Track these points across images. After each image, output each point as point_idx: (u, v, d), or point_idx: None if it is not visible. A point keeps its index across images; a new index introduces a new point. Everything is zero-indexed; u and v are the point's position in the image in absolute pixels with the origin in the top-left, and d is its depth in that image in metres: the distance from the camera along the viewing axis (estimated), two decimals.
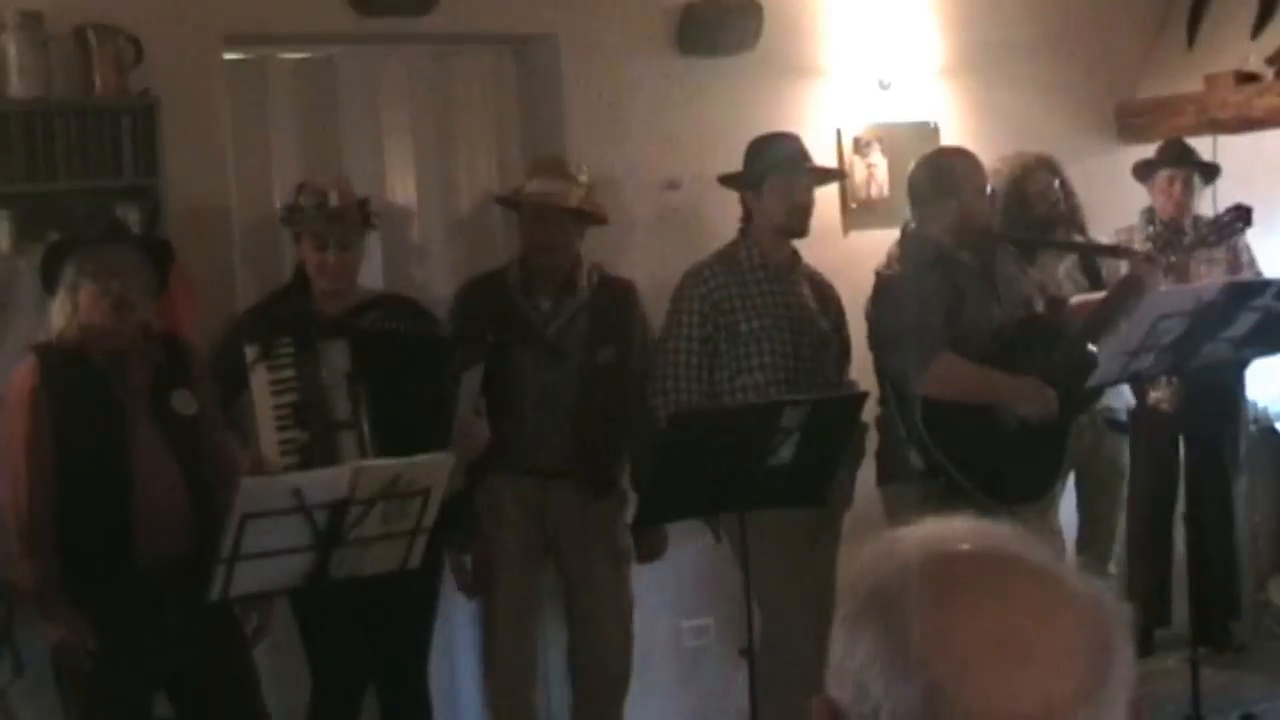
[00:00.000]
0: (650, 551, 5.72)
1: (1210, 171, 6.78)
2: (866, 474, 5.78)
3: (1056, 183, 6.31)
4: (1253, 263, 6.55)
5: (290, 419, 4.74)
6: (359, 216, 5.16)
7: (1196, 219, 6.39)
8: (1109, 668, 1.42)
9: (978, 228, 5.53)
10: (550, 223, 5.49)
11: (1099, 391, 5.35)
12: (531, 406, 5.45)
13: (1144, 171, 6.81)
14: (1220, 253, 6.40)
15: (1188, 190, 6.66)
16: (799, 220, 5.69)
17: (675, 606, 6.33)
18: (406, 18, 5.85)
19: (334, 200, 5.07)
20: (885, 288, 5.56)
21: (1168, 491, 6.81)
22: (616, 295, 5.65)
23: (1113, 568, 6.41)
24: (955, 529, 1.53)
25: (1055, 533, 5.67)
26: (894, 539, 1.53)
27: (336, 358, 4.80)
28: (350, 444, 4.81)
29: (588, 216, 5.58)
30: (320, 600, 4.53)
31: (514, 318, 5.48)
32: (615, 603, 5.69)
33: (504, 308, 5.49)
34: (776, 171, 5.65)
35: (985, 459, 5.31)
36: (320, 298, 5.14)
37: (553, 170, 5.60)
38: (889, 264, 5.60)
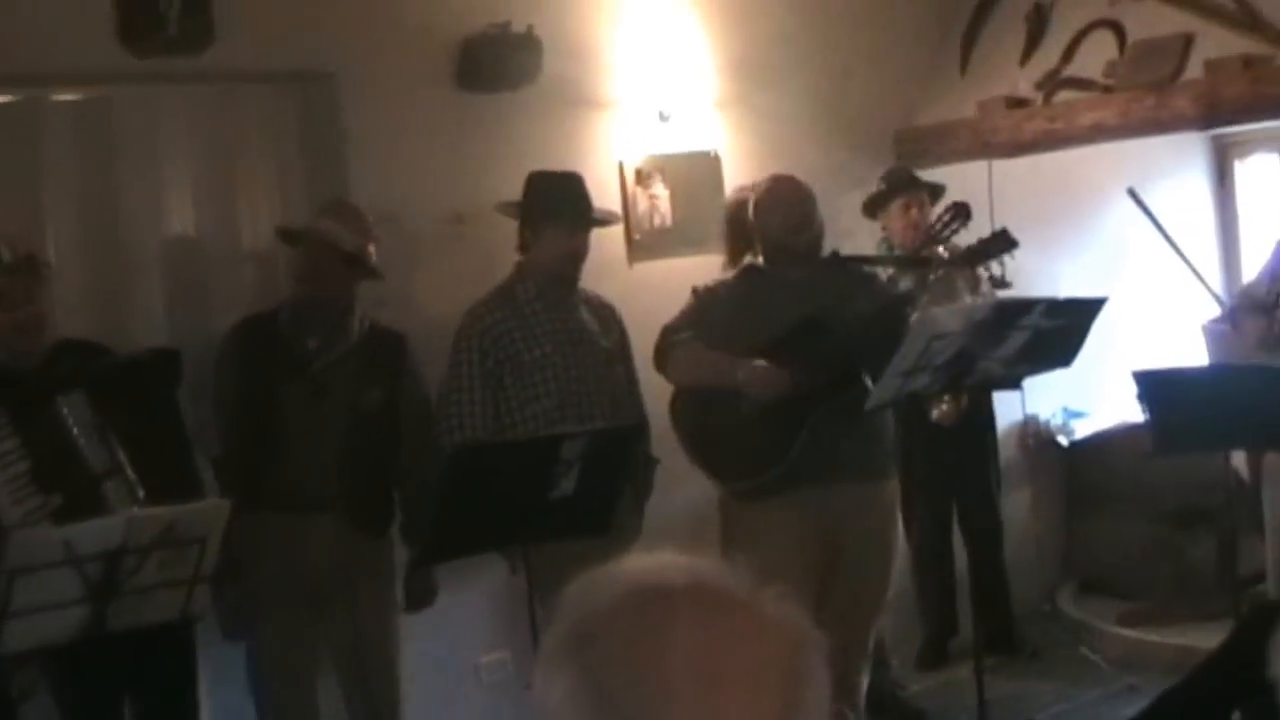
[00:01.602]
0: (417, 601, 5.69)
1: (937, 191, 6.94)
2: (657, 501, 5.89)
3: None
4: (992, 295, 6.69)
5: (28, 487, 4.60)
6: (31, 268, 4.95)
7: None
8: (803, 694, 1.46)
9: (774, 248, 5.65)
10: (323, 262, 5.46)
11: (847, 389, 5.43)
12: (296, 442, 5.39)
13: (876, 205, 6.95)
14: (961, 280, 6.54)
15: (924, 213, 6.82)
16: (572, 268, 5.79)
17: (474, 642, 6.33)
18: (183, 57, 5.77)
19: (7, 256, 4.84)
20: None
21: (946, 506, 7.00)
22: (387, 344, 5.64)
23: None
24: (660, 562, 1.55)
25: (894, 505, 5.85)
26: (598, 575, 1.55)
27: (79, 410, 4.66)
28: (119, 491, 4.69)
29: (362, 267, 5.54)
30: (66, 651, 4.42)
31: (280, 353, 5.46)
32: (382, 650, 5.62)
33: (272, 344, 5.47)
34: (555, 220, 5.72)
35: (716, 440, 5.53)
36: (11, 359, 4.89)
37: (340, 214, 5.56)
38: None
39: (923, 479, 6.91)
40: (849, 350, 5.35)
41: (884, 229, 6.99)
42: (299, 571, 5.45)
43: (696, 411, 5.61)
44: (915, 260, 6.21)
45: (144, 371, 5.04)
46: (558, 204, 5.74)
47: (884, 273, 6.06)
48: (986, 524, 7.23)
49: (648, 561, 1.56)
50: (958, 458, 6.95)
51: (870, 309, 5.54)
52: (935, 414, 6.63)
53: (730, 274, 5.83)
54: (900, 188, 6.95)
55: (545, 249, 5.73)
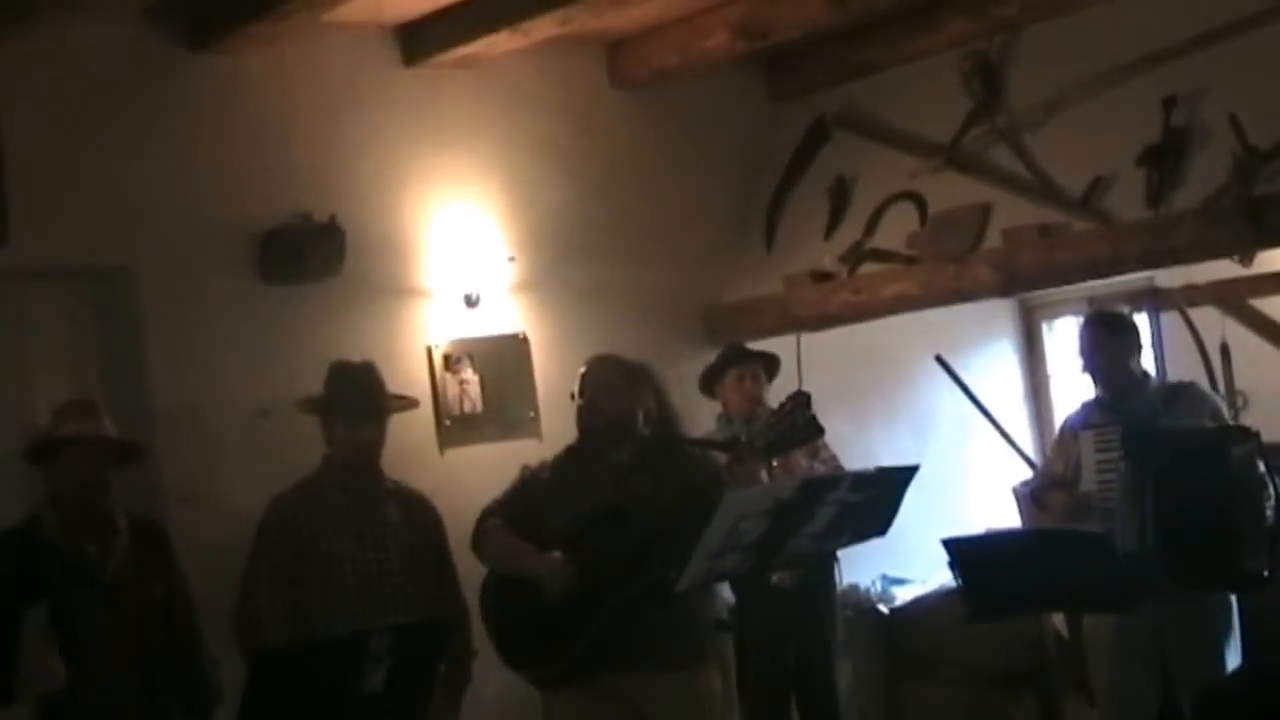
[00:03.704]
0: None
1: (772, 363, 6.98)
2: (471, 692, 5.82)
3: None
4: (834, 458, 6.74)
5: None
6: None
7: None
8: None
9: (589, 428, 5.68)
10: (94, 462, 5.30)
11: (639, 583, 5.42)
12: (98, 654, 5.17)
13: (710, 380, 6.98)
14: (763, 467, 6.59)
15: (757, 384, 6.85)
16: (364, 458, 5.78)
17: None
18: None
19: None
20: None
21: (783, 671, 6.92)
22: (152, 534, 5.50)
23: None
24: None
25: (709, 693, 5.72)
26: None
27: None
28: None
29: (129, 450, 5.42)
30: None
31: (61, 571, 5.25)
32: None
33: (48, 560, 5.17)
34: (339, 412, 5.73)
35: (511, 628, 5.57)
36: None
37: (83, 411, 5.38)
38: None
39: (758, 641, 6.83)
40: (646, 541, 5.36)
41: (722, 403, 7.00)
42: None
43: (500, 598, 5.63)
44: (723, 444, 6.23)
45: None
46: (342, 397, 5.77)
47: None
48: (825, 686, 7.16)
49: None
50: (795, 618, 6.91)
51: (684, 491, 5.52)
52: (775, 578, 6.62)
53: (555, 456, 5.84)
54: (732, 361, 6.98)
55: (337, 440, 5.75)
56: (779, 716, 7.05)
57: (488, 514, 5.72)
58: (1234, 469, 5.68)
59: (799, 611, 6.88)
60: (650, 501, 5.48)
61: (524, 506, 5.68)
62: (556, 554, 5.45)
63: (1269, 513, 5.74)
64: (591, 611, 5.39)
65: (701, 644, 5.73)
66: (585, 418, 5.70)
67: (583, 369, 5.81)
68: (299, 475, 5.79)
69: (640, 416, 5.72)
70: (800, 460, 6.62)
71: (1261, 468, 5.72)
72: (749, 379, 6.93)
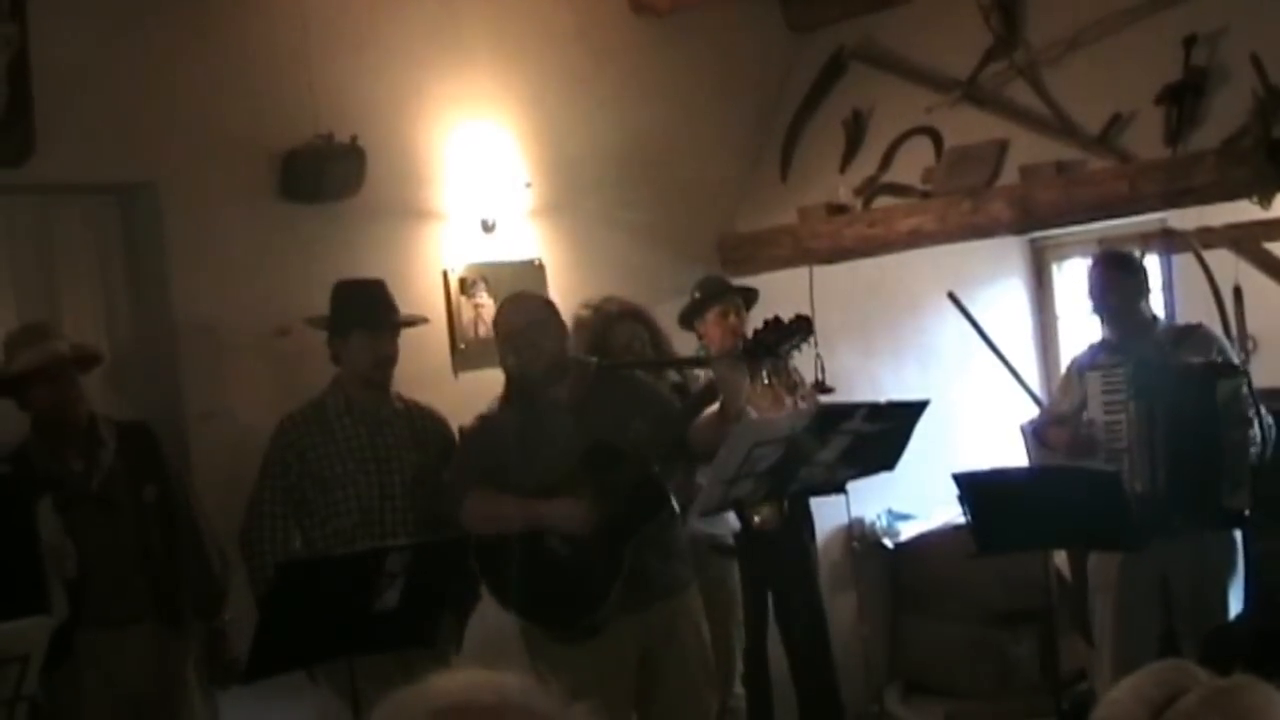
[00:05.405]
0: (223, 677, 5.55)
1: (751, 297, 6.98)
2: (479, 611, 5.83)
3: (644, 332, 6.43)
4: (813, 395, 6.74)
5: None
6: None
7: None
8: None
9: (529, 370, 5.57)
10: (59, 382, 5.32)
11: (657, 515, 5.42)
12: (97, 561, 5.22)
13: (692, 314, 6.88)
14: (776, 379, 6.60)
15: (739, 319, 6.83)
16: (383, 372, 5.78)
17: None
18: (3, 169, 5.66)
19: None
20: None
21: (763, 610, 6.96)
22: (141, 437, 5.54)
23: (739, 687, 6.51)
24: (467, 680, 1.55)
25: (700, 610, 5.69)
26: (405, 696, 1.54)
27: None
28: None
29: (86, 360, 5.45)
30: None
31: (54, 485, 5.25)
32: None
33: (37, 482, 5.20)
34: (359, 325, 5.72)
35: (531, 587, 5.39)
36: None
37: (34, 336, 5.38)
38: None
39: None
40: (648, 472, 5.32)
41: (701, 337, 6.99)
42: (120, 686, 5.32)
43: (503, 561, 5.43)
44: (687, 360, 6.24)
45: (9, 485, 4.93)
46: (360, 309, 5.76)
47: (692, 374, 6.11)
48: (813, 626, 7.19)
49: (455, 679, 1.56)
50: (778, 561, 6.94)
51: (653, 414, 5.47)
52: (757, 520, 6.66)
53: (494, 407, 5.69)
54: (716, 296, 6.97)
55: (353, 355, 5.73)
56: (756, 655, 7.07)
57: (458, 481, 5.57)
58: (1219, 404, 5.73)
59: (780, 552, 6.90)
60: (623, 431, 5.40)
61: (487, 466, 5.52)
62: (562, 500, 5.35)
63: (1252, 449, 5.79)
64: (620, 553, 5.32)
65: (687, 564, 5.70)
66: (525, 360, 5.57)
67: (500, 311, 5.76)
68: (312, 393, 5.81)
69: (569, 349, 5.66)
70: (786, 400, 6.63)
71: (1249, 405, 5.77)
72: (732, 315, 6.91)
